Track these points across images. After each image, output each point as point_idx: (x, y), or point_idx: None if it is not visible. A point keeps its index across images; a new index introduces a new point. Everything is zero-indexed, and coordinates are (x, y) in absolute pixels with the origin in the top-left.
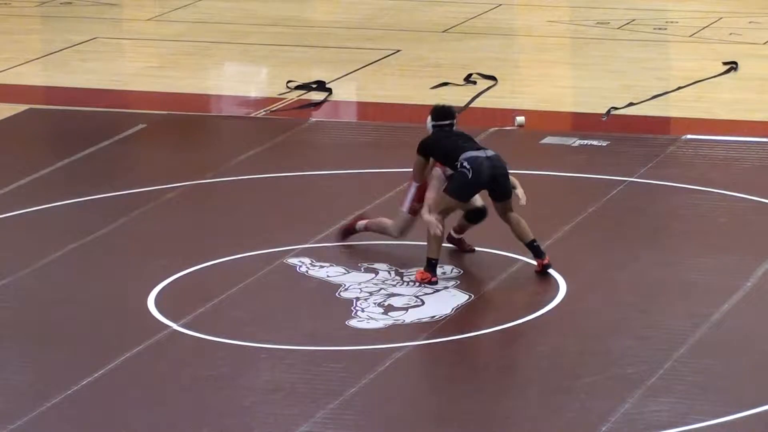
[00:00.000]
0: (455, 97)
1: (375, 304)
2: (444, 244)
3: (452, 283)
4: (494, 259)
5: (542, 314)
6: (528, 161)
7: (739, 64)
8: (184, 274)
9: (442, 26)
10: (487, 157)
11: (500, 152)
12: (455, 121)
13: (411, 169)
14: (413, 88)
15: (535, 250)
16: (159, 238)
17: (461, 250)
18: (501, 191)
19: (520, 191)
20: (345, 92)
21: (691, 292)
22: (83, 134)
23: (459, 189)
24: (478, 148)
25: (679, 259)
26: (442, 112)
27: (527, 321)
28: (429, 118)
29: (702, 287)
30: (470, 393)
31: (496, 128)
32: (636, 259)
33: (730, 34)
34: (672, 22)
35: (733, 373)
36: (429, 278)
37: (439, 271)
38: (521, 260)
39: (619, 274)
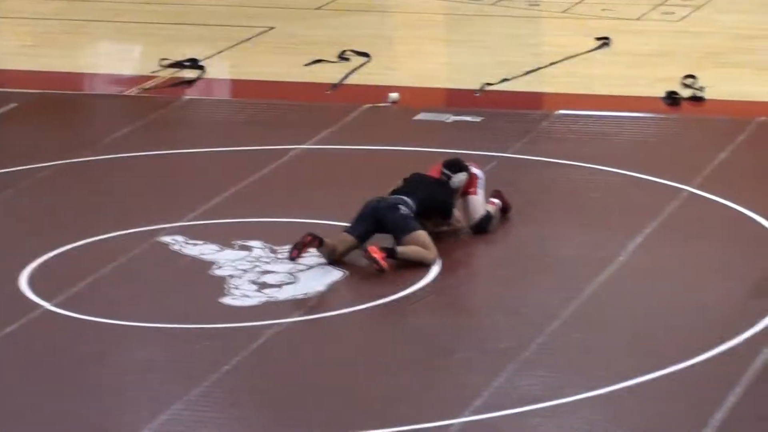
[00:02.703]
0: (329, 74)
1: (249, 281)
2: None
3: (325, 259)
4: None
5: (415, 290)
6: (402, 138)
7: (611, 39)
8: (57, 254)
9: (316, 3)
10: (383, 198)
11: (373, 129)
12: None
13: (288, 146)
14: (287, 66)
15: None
16: (31, 217)
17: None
18: (387, 226)
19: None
20: (218, 70)
21: (565, 266)
22: None
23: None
24: (396, 192)
25: (552, 234)
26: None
27: (400, 297)
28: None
29: (575, 261)
30: (344, 370)
31: (370, 105)
32: (509, 233)
33: (603, 9)
34: None
35: (606, 347)
36: (381, 259)
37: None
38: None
39: (492, 249)
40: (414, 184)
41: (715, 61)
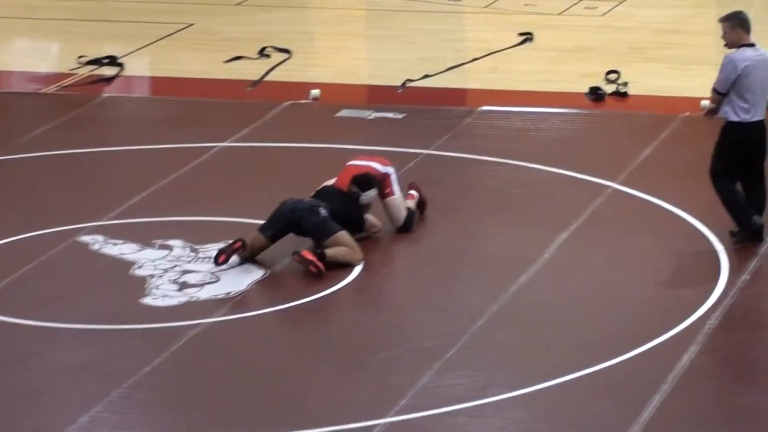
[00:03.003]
0: (249, 70)
1: (170, 281)
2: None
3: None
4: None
5: (338, 289)
6: (323, 134)
7: (534, 34)
8: None
9: None
10: (299, 200)
11: (295, 126)
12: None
13: (209, 143)
14: (206, 62)
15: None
16: None
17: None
18: (306, 230)
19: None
20: (137, 67)
21: (489, 264)
22: None
23: (263, 223)
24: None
25: (476, 231)
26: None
27: (323, 296)
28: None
29: (500, 259)
30: (266, 370)
31: (291, 102)
32: (433, 231)
33: (526, 4)
34: None
35: (531, 345)
36: (315, 262)
37: None
38: None
39: (415, 247)
40: (326, 197)
41: (638, 56)
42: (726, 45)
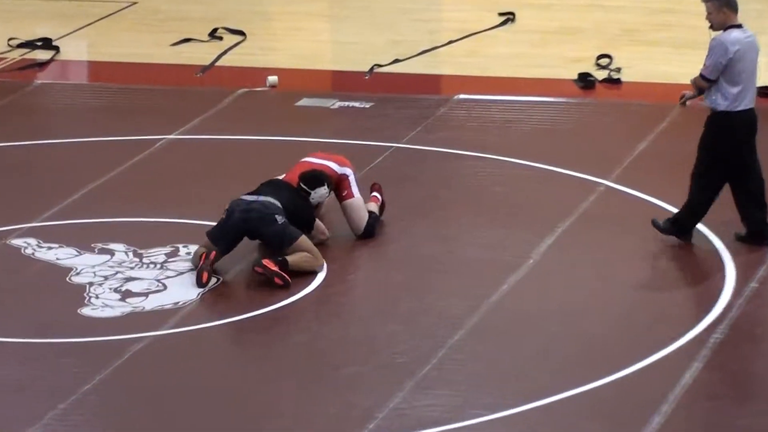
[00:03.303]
0: (199, 54)
1: (111, 289)
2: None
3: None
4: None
5: (299, 298)
6: (282, 126)
7: (516, 14)
8: None
9: None
10: (252, 201)
11: (250, 117)
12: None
13: (155, 136)
14: (152, 45)
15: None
16: None
17: None
18: (263, 238)
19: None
20: (74, 50)
21: (468, 270)
22: None
23: (211, 231)
24: (258, 193)
25: (453, 233)
26: None
27: (281, 306)
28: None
29: (479, 264)
30: (219, 389)
31: (246, 89)
32: (405, 233)
33: None
34: None
35: (513, 360)
36: (281, 273)
37: (184, 250)
38: None
39: (385, 251)
40: (275, 189)
41: (630, 39)
42: (711, 27)
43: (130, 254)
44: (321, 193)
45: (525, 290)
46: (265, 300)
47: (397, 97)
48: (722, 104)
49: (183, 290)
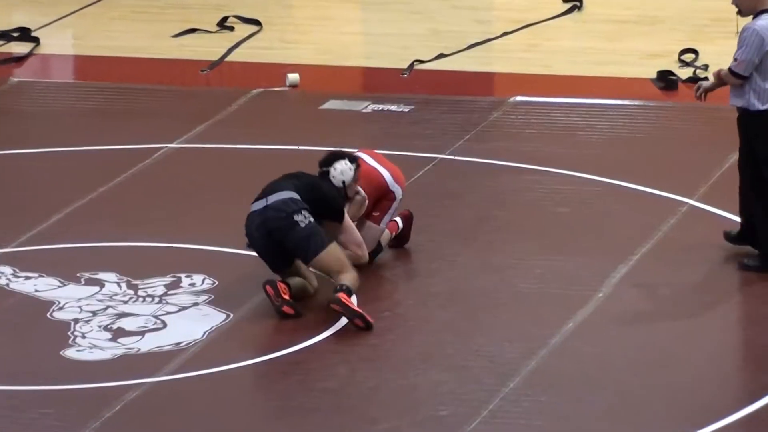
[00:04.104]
0: (206, 48)
1: (100, 327)
2: None
3: (203, 298)
4: (260, 266)
5: (323, 338)
6: (305, 133)
7: (583, 1)
8: None
9: None
10: (262, 209)
11: (266, 122)
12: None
13: (153, 144)
14: (149, 37)
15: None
16: None
17: None
18: (289, 249)
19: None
20: (58, 42)
21: (525, 306)
22: None
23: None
24: (266, 194)
25: (507, 263)
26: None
27: (304, 347)
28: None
29: (538, 300)
30: None
31: (261, 90)
32: (450, 262)
33: None
34: None
35: (579, 416)
36: (363, 314)
37: (186, 281)
38: None
39: (427, 283)
40: (287, 177)
41: (721, 30)
42: (739, 12)
43: (123, 285)
44: (341, 167)
45: (593, 330)
46: (283, 340)
47: (442, 99)
48: (758, 103)
49: (185, 329)
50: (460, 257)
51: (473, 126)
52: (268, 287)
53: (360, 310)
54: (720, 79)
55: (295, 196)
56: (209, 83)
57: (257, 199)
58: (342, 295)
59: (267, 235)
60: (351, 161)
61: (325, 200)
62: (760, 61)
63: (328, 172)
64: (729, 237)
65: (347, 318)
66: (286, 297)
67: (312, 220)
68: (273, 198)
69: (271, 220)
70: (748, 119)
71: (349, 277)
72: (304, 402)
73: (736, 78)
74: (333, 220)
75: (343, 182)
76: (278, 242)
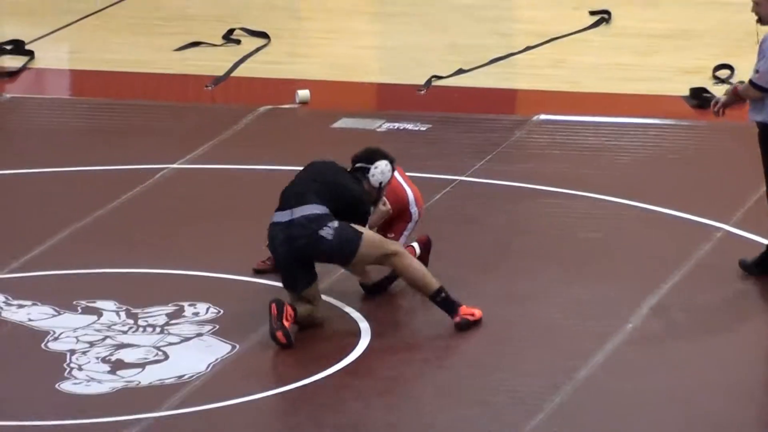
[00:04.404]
0: (210, 62)
1: (98, 358)
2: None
3: (208, 328)
4: (268, 294)
5: (334, 371)
6: (315, 154)
7: (612, 14)
8: None
9: None
10: (287, 224)
11: (274, 142)
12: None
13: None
14: (150, 50)
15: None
16: None
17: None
18: (323, 261)
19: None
20: (53, 56)
21: (549, 338)
22: None
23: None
24: (290, 205)
25: (530, 292)
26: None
27: (313, 381)
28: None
29: (564, 332)
30: None
31: (269, 107)
32: (469, 291)
33: None
34: None
35: None
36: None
37: (190, 310)
38: None
39: (445, 314)
40: (310, 179)
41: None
42: (759, 21)
43: (123, 314)
44: (383, 168)
45: (622, 363)
46: (292, 373)
47: (461, 118)
48: None
49: (189, 360)
50: (481, 286)
51: (494, 146)
52: (273, 306)
53: (479, 316)
54: (737, 95)
55: (321, 210)
56: (214, 100)
57: (281, 209)
58: (465, 313)
59: (291, 251)
60: (391, 162)
61: (352, 203)
62: None
63: (365, 169)
64: (745, 265)
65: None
66: (287, 323)
67: (336, 224)
68: (298, 213)
69: (296, 238)
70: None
71: (413, 265)
72: None
73: (757, 91)
74: (357, 223)
75: (381, 183)
76: (306, 258)
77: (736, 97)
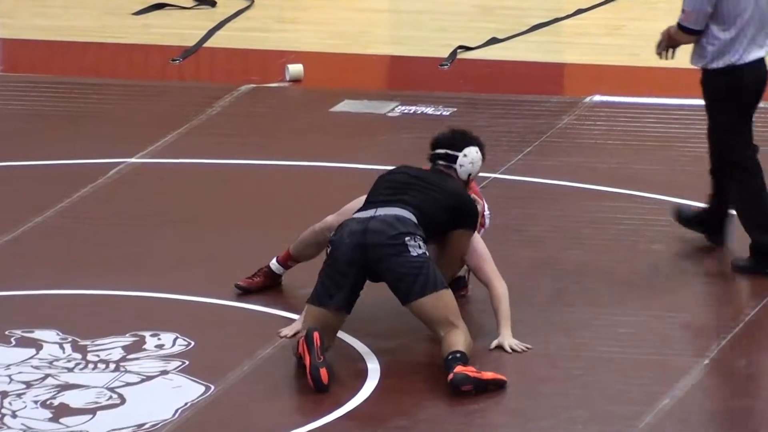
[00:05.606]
0: (179, 29)
1: (37, 403)
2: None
3: (175, 364)
4: (251, 322)
5: (333, 419)
6: (310, 144)
7: None
8: None
9: None
10: (367, 218)
11: (260, 128)
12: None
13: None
14: (103, 14)
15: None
16: None
17: None
18: (386, 276)
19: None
20: None
21: (604, 376)
22: None
23: (314, 289)
24: (376, 205)
25: (582, 319)
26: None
27: (318, 427)
28: None
29: (623, 368)
30: None
31: (252, 86)
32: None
33: None
34: None
35: None
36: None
37: (152, 341)
38: (292, 318)
39: (477, 347)
40: (403, 184)
41: None
42: None
43: (68, 347)
44: (473, 156)
45: (696, 409)
46: (287, 418)
47: (494, 99)
48: (715, 59)
49: (151, 405)
50: (519, 312)
51: (537, 135)
52: (316, 335)
53: (490, 376)
54: (670, 38)
55: (410, 216)
56: (183, 77)
57: (366, 205)
58: (463, 370)
59: (359, 248)
60: (481, 149)
61: (462, 204)
62: (714, 9)
63: (451, 158)
64: (680, 216)
65: (459, 386)
66: (321, 359)
67: (427, 253)
68: (383, 212)
69: (374, 233)
70: (709, 78)
71: (461, 338)
72: None
73: (687, 34)
74: (464, 228)
75: (470, 175)
76: (371, 263)
77: (670, 41)
